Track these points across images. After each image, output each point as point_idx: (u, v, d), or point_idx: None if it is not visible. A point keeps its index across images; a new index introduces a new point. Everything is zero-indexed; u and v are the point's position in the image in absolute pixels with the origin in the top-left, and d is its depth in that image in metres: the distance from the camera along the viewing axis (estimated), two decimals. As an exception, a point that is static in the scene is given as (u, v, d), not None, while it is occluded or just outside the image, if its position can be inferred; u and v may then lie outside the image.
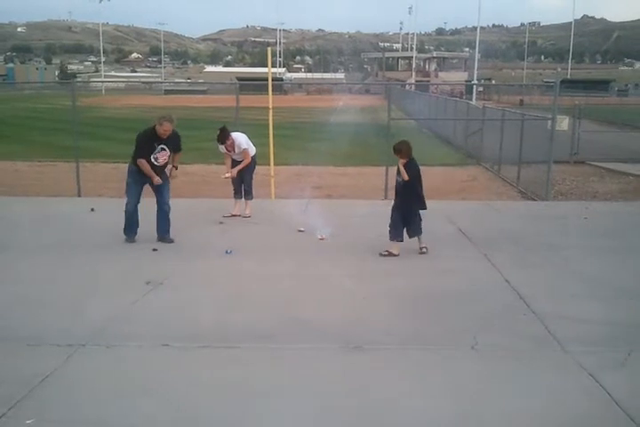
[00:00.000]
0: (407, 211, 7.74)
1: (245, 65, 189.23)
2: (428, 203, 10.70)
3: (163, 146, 8.04)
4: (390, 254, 7.59)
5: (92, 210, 10.10)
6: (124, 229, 8.16)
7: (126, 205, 8.13)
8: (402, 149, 7.69)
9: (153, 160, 7.99)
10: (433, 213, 9.98)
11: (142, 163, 7.97)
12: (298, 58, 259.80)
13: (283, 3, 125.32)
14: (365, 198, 11.59)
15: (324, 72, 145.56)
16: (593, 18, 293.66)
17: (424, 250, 7.72)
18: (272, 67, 11.91)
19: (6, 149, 19.27)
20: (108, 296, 6.10)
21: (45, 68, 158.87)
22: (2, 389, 4.19)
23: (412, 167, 7.70)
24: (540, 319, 5.58)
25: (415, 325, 5.46)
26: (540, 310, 5.78)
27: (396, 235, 7.66)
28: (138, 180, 8.11)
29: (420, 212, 7.81)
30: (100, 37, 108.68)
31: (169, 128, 8.01)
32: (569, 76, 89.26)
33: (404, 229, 7.72)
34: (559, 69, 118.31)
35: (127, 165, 8.27)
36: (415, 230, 7.77)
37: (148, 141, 8.02)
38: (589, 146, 18.08)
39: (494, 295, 6.25)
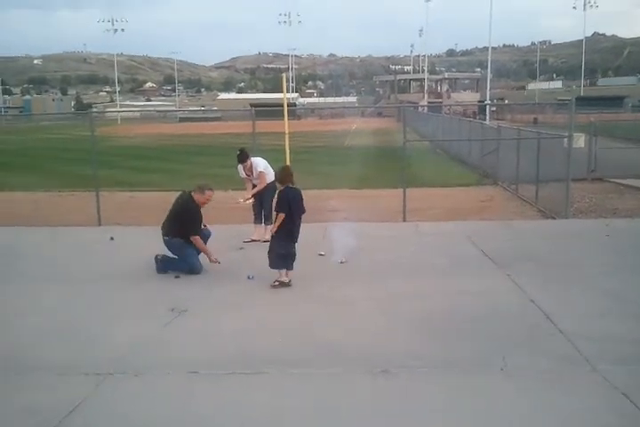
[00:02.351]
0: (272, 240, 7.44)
1: (258, 91, 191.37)
2: (448, 224, 10.68)
3: None
4: (281, 284, 7.28)
5: (112, 239, 10.17)
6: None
7: (193, 269, 7.90)
8: (277, 176, 7.60)
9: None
10: (454, 234, 10.00)
11: (197, 240, 7.85)
12: (310, 83, 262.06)
13: (294, 29, 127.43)
14: (383, 221, 11.58)
15: (337, 96, 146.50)
16: (604, 35, 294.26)
17: (276, 283, 7.28)
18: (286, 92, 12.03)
19: (26, 180, 19.54)
20: (133, 324, 6.12)
21: (62, 99, 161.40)
22: (33, 419, 4.20)
23: (282, 197, 7.39)
24: (567, 339, 5.51)
25: (443, 347, 5.41)
26: (567, 329, 5.71)
27: (276, 264, 7.35)
28: (188, 245, 7.96)
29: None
30: (115, 68, 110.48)
31: (211, 197, 8.05)
32: (582, 94, 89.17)
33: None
34: (574, 87, 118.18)
35: (165, 237, 8.03)
36: (272, 261, 7.35)
37: (198, 213, 7.98)
38: (607, 163, 17.96)
39: (520, 315, 6.19)
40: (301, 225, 7.50)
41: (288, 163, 11.22)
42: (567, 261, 8.24)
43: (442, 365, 5.05)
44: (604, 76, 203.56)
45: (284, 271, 7.37)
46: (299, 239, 7.54)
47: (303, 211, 7.50)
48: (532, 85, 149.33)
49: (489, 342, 5.48)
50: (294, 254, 7.41)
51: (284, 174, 7.59)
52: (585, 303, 6.58)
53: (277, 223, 7.28)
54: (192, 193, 8.04)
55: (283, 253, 7.31)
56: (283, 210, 7.30)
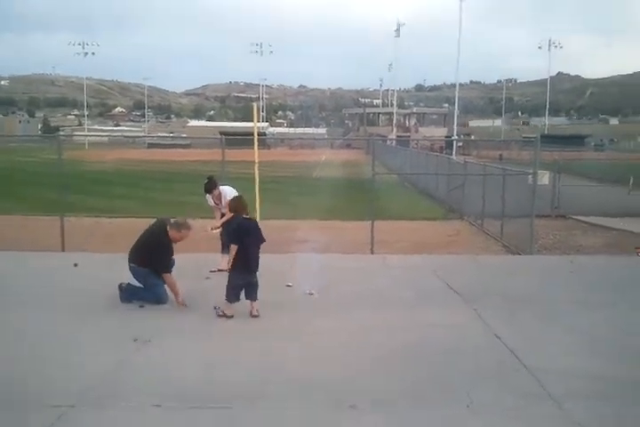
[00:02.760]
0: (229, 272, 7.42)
1: (229, 119, 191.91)
2: (415, 258, 10.77)
3: None
4: (224, 315, 7.24)
5: (76, 265, 9.97)
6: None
7: (159, 299, 7.71)
8: (231, 206, 7.66)
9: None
10: (421, 268, 10.06)
11: (169, 278, 7.64)
12: (280, 113, 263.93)
13: (265, 59, 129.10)
14: (351, 253, 11.62)
15: (306, 127, 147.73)
16: (568, 75, 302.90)
17: (220, 313, 7.22)
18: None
19: (-11, 203, 19.16)
20: (95, 354, 5.97)
21: (28, 121, 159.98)
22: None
23: (233, 227, 7.47)
24: (532, 374, 5.55)
25: (408, 382, 5.40)
26: (532, 365, 5.76)
27: (229, 297, 7.29)
28: (155, 274, 7.78)
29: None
30: (84, 91, 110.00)
31: (187, 236, 7.85)
32: (546, 132, 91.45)
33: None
34: (540, 125, 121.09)
35: (131, 265, 7.86)
36: (227, 293, 7.26)
37: (170, 248, 7.79)
38: (570, 200, 18.39)
39: (485, 351, 6.23)
40: (260, 255, 7.44)
41: (257, 192, 11.24)
42: (532, 297, 8.34)
43: (409, 400, 5.04)
44: (567, 115, 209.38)
45: (234, 305, 7.27)
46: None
47: (262, 240, 7.46)
48: (472, 122, 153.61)
49: (455, 378, 5.49)
50: (255, 284, 7.34)
51: (237, 204, 7.61)
52: (550, 339, 6.65)
53: (232, 255, 7.24)
54: (167, 227, 7.85)
55: (239, 284, 7.25)
56: (234, 241, 7.30)
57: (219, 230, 9.52)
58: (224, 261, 9.70)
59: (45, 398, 4.91)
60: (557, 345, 6.43)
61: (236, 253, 7.25)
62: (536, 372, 5.60)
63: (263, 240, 7.48)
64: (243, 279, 7.25)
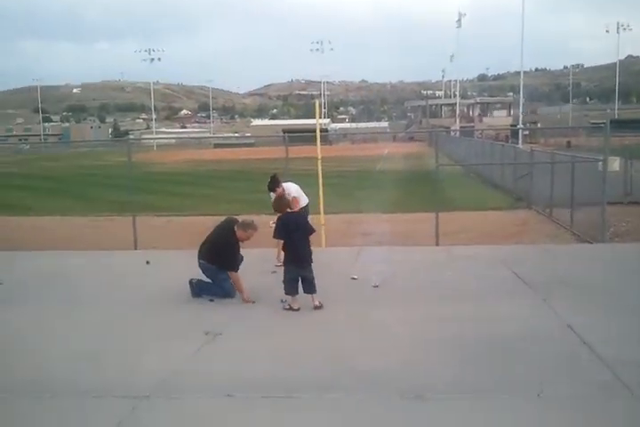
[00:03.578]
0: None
1: (291, 117, 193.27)
2: (482, 248, 10.65)
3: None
4: (291, 309, 7.32)
5: (148, 262, 10.31)
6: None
7: (228, 293, 7.90)
8: (274, 207, 7.78)
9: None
10: (488, 259, 9.92)
11: (235, 277, 7.80)
12: (342, 108, 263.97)
13: (326, 56, 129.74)
14: (416, 245, 11.55)
15: (368, 121, 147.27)
16: (638, 58, 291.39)
17: (286, 306, 7.35)
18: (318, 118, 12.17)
19: (65, 205, 20.01)
20: (168, 347, 6.18)
21: (99, 126, 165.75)
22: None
23: (278, 224, 7.59)
24: (606, 365, 5.40)
25: (477, 373, 5.35)
26: (605, 356, 5.60)
27: (287, 290, 7.40)
28: (223, 270, 7.96)
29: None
30: (152, 96, 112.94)
31: (253, 236, 8.03)
32: (616, 117, 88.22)
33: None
34: (608, 110, 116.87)
35: (201, 261, 8.06)
36: (284, 287, 7.39)
37: (236, 248, 7.96)
38: (643, 186, 17.72)
39: (557, 341, 6.09)
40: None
41: (321, 187, 11.32)
42: (604, 286, 8.10)
43: (477, 391, 4.99)
44: (638, 99, 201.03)
45: (296, 297, 7.38)
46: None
47: (310, 231, 7.59)
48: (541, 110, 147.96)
49: (525, 368, 5.40)
50: (310, 277, 7.41)
51: (275, 205, 7.80)
52: (623, 329, 6.44)
53: (279, 249, 7.38)
54: (235, 227, 8.05)
55: (292, 277, 7.37)
56: (278, 236, 7.55)
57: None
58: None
59: (120, 390, 5.11)
60: (631, 335, 6.23)
61: (286, 248, 7.45)
62: (610, 362, 5.44)
63: (312, 231, 7.64)
64: (295, 272, 7.36)
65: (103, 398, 4.97)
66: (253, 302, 7.76)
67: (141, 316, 7.36)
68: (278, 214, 7.85)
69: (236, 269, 7.87)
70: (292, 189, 9.75)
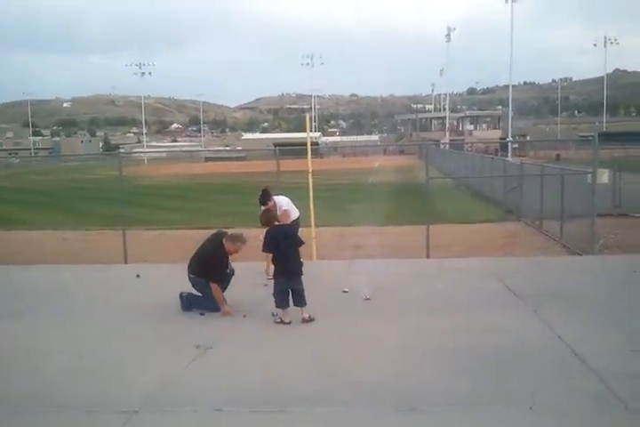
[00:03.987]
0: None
1: (282, 131, 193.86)
2: (472, 261, 10.67)
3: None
4: (282, 322, 7.32)
5: (138, 276, 10.26)
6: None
7: (218, 307, 7.82)
8: (262, 221, 7.78)
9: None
10: (478, 271, 9.94)
11: (215, 288, 7.80)
12: (332, 122, 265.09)
13: (316, 70, 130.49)
14: (407, 257, 11.56)
15: (359, 135, 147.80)
16: (625, 71, 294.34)
17: (277, 320, 7.35)
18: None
19: (55, 219, 19.92)
20: (159, 361, 6.14)
21: (90, 140, 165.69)
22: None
23: (266, 236, 7.58)
24: (598, 376, 5.41)
25: (469, 384, 5.34)
26: (597, 367, 5.61)
27: (277, 303, 7.41)
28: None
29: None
30: (143, 110, 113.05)
31: (241, 249, 8.04)
32: (604, 130, 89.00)
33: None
34: (597, 123, 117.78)
35: (190, 275, 8.05)
36: (275, 300, 7.41)
37: (223, 260, 8.01)
38: (632, 198, 17.85)
39: (548, 353, 6.10)
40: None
41: (311, 200, 11.33)
42: (595, 298, 8.12)
43: (470, 403, 4.98)
44: (626, 112, 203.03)
45: (287, 310, 7.36)
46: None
47: (299, 243, 7.58)
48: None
49: (517, 380, 5.40)
50: (300, 289, 7.39)
51: (262, 219, 7.81)
52: (614, 340, 6.45)
53: (268, 263, 7.38)
54: (224, 240, 8.04)
55: (282, 289, 7.36)
56: (267, 249, 7.57)
57: None
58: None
59: (112, 403, 5.07)
60: (622, 347, 6.24)
61: (275, 260, 7.46)
62: (601, 373, 5.45)
63: (301, 243, 7.63)
64: (285, 284, 7.35)
65: (95, 413, 4.92)
66: (230, 315, 7.71)
67: (132, 329, 7.32)
68: (266, 228, 7.86)
69: (217, 280, 7.86)
70: (283, 202, 9.78)
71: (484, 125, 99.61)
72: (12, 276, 10.64)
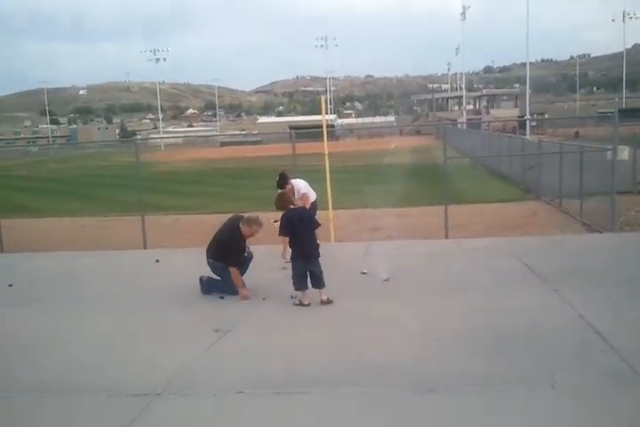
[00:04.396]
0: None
1: (297, 114, 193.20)
2: (491, 240, 10.60)
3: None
4: (301, 304, 7.33)
5: (157, 261, 10.32)
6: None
7: (237, 290, 7.86)
8: (277, 205, 7.76)
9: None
10: (497, 250, 9.87)
11: (234, 271, 7.81)
12: (348, 104, 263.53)
13: (331, 52, 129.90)
14: (426, 238, 11.51)
15: (375, 116, 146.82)
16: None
17: (297, 302, 7.37)
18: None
19: (73, 206, 20.07)
20: (179, 345, 6.18)
21: (107, 127, 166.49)
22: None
23: (282, 220, 7.60)
24: (619, 355, 5.35)
25: (489, 364, 5.31)
26: (618, 346, 5.55)
27: (296, 285, 7.41)
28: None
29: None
30: (158, 95, 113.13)
31: (258, 232, 8.03)
32: (624, 106, 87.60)
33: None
34: (616, 99, 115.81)
35: (209, 260, 8.07)
36: (293, 283, 7.42)
37: (240, 244, 8.00)
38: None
39: (569, 332, 6.05)
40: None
41: (328, 182, 11.29)
42: (615, 276, 8.03)
43: (489, 383, 4.96)
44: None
45: (306, 292, 7.37)
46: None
47: (315, 226, 7.60)
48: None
49: (538, 359, 5.36)
50: (318, 272, 7.39)
51: (277, 202, 7.79)
52: (635, 319, 6.38)
53: (285, 246, 7.37)
54: (240, 223, 8.05)
55: (300, 272, 7.37)
56: (283, 233, 7.61)
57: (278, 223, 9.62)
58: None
59: (132, 387, 5.12)
60: (645, 324, 6.18)
61: (292, 243, 7.48)
62: (624, 352, 5.40)
63: (317, 225, 7.65)
64: (303, 267, 7.36)
65: (115, 397, 4.97)
66: (248, 299, 7.73)
67: (152, 313, 7.37)
68: (282, 212, 7.85)
69: (236, 264, 7.87)
70: (300, 185, 9.77)
71: (502, 104, 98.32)
72: (29, 263, 10.75)
